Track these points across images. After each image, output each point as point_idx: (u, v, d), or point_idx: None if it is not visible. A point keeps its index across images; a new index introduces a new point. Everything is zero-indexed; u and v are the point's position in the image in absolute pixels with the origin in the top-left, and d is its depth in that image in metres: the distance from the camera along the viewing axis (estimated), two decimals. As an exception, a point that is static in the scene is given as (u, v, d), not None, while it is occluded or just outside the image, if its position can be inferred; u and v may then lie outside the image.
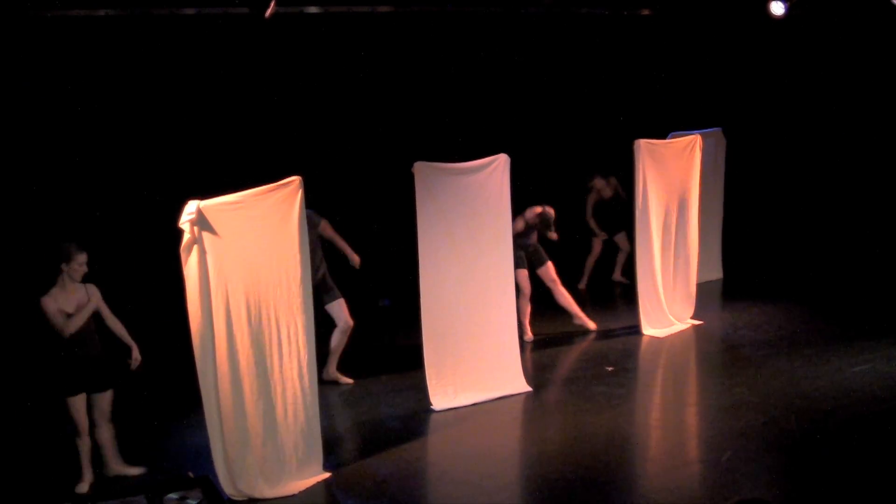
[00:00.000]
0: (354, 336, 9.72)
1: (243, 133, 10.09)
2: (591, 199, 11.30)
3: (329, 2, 10.27)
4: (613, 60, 12.07)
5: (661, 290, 9.55)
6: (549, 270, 9.50)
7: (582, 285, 11.31)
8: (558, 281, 9.54)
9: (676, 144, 9.70)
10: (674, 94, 12.25)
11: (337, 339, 8.21)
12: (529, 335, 9.37)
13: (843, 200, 12.48)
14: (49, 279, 6.36)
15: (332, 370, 8.26)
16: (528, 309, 9.37)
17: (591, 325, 9.66)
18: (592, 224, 11.32)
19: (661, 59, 12.25)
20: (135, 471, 6.53)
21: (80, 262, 6.25)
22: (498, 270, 7.87)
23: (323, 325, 7.97)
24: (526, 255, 9.27)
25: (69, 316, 6.23)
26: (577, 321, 9.65)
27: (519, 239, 8.87)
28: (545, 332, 9.63)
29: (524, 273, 9.20)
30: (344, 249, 8.27)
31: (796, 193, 12.69)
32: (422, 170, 7.47)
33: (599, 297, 11.02)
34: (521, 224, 9.07)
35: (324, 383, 8.04)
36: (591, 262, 11.42)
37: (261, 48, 9.89)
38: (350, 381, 8.30)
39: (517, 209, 8.04)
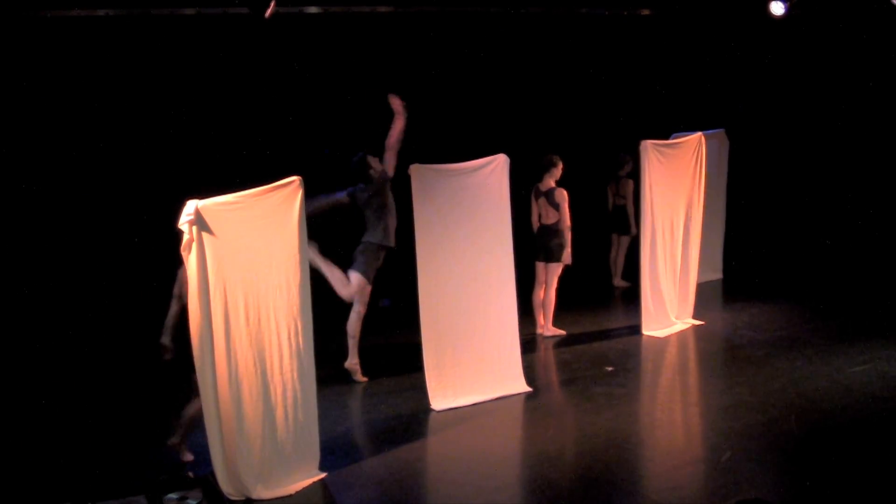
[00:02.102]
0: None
1: (243, 133, 10.09)
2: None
3: (329, 2, 10.28)
4: (613, 60, 12.07)
5: (664, 290, 9.55)
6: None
7: (617, 282, 11.34)
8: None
9: (682, 145, 9.69)
10: (675, 94, 12.25)
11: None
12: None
13: (844, 200, 12.48)
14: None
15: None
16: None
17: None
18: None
19: (661, 59, 12.25)
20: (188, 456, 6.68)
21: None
22: (498, 271, 7.86)
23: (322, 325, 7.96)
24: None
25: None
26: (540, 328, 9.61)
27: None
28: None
29: None
30: None
31: (798, 194, 12.70)
32: (418, 172, 7.47)
33: (599, 298, 11.02)
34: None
35: (325, 382, 8.05)
36: (616, 258, 11.43)
37: (261, 48, 9.89)
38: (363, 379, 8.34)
39: (516, 210, 8.03)
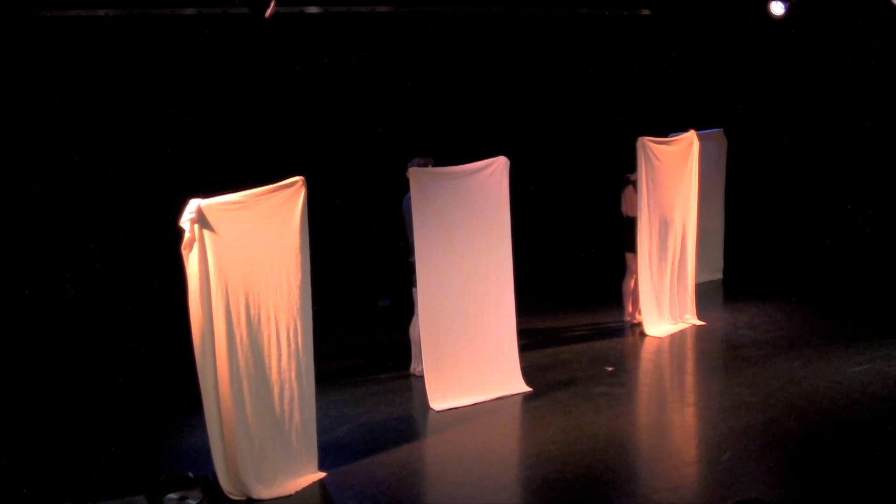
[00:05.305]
0: (354, 336, 9.77)
1: (244, 133, 10.09)
2: None
3: (329, 2, 10.28)
4: (613, 60, 12.07)
5: (666, 289, 9.55)
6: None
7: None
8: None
9: (676, 143, 9.69)
10: (674, 94, 12.26)
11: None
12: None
13: (844, 200, 12.48)
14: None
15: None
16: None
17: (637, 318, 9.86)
18: None
19: (661, 59, 12.25)
20: None
21: None
22: (498, 272, 7.86)
23: (324, 327, 7.98)
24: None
25: None
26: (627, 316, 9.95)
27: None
28: (544, 330, 9.64)
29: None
30: None
31: (797, 193, 12.70)
32: (416, 175, 7.47)
33: (600, 297, 11.01)
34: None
35: (324, 382, 8.06)
36: None
37: (261, 48, 9.89)
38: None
39: (517, 211, 8.03)
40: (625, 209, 9.67)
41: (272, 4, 8.67)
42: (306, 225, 6.24)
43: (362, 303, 10.67)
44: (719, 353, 9.14)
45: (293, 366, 6.24)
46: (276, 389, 6.18)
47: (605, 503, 6.05)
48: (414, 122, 10.81)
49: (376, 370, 8.57)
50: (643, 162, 9.25)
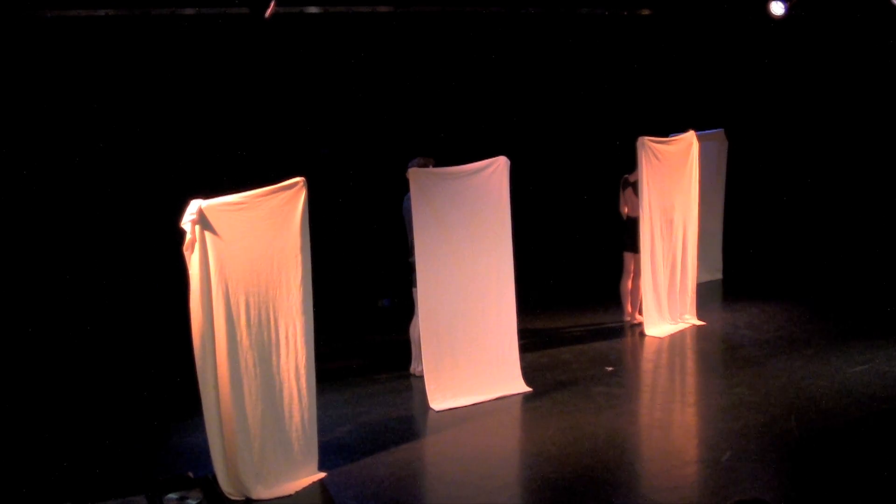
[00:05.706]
0: (354, 336, 9.78)
1: (244, 133, 10.09)
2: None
3: (329, 2, 10.28)
4: (613, 60, 12.07)
5: (662, 289, 9.56)
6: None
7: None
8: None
9: (678, 143, 9.70)
10: (674, 94, 12.26)
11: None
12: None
13: (844, 201, 12.48)
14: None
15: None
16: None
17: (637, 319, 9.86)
18: None
19: (661, 59, 12.25)
20: None
21: None
22: (498, 272, 7.86)
23: (324, 326, 7.98)
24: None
25: None
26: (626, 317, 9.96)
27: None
28: (544, 330, 9.64)
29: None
30: None
31: (797, 194, 12.70)
32: (417, 175, 7.47)
33: (600, 297, 11.02)
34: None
35: (325, 382, 8.06)
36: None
37: (261, 48, 9.89)
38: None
39: (517, 211, 8.04)
40: (625, 210, 9.66)
41: (272, 4, 8.67)
42: (307, 225, 6.24)
43: (362, 303, 10.67)
44: (719, 353, 9.14)
45: (293, 366, 6.24)
46: (276, 390, 6.19)
47: (604, 503, 6.06)
48: (414, 122, 10.81)
49: (376, 370, 8.57)
50: (644, 161, 9.26)
